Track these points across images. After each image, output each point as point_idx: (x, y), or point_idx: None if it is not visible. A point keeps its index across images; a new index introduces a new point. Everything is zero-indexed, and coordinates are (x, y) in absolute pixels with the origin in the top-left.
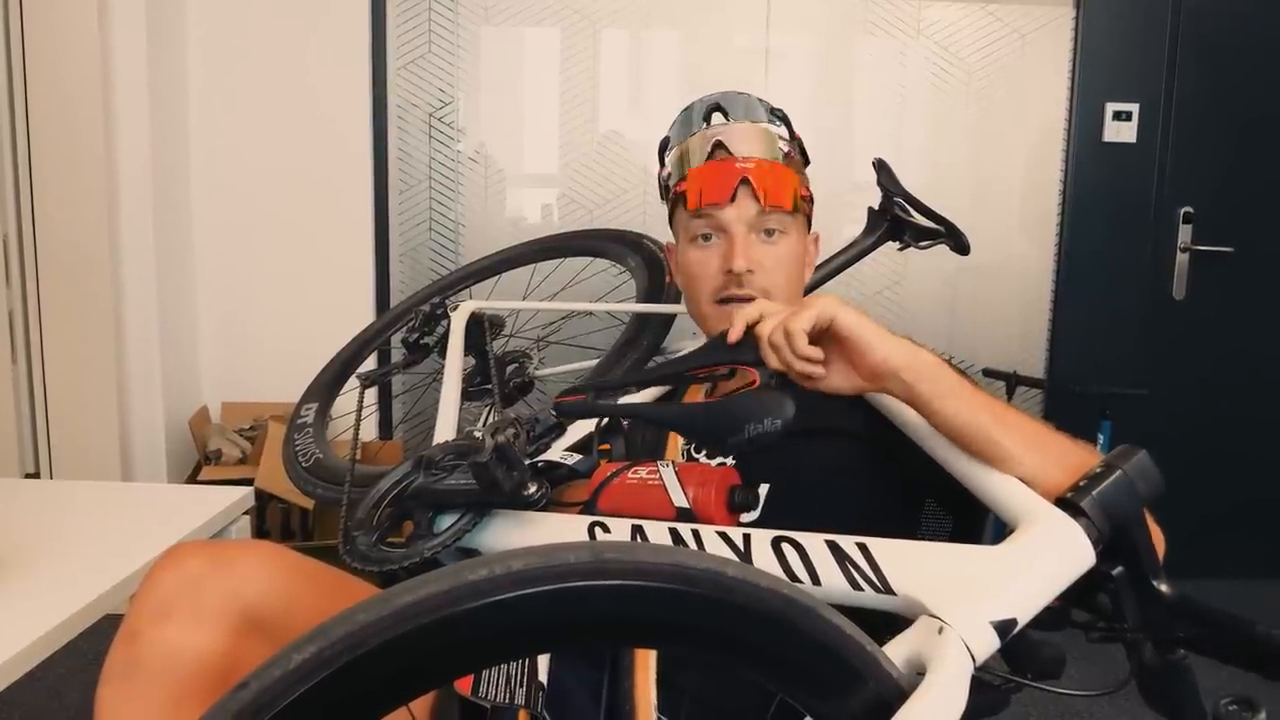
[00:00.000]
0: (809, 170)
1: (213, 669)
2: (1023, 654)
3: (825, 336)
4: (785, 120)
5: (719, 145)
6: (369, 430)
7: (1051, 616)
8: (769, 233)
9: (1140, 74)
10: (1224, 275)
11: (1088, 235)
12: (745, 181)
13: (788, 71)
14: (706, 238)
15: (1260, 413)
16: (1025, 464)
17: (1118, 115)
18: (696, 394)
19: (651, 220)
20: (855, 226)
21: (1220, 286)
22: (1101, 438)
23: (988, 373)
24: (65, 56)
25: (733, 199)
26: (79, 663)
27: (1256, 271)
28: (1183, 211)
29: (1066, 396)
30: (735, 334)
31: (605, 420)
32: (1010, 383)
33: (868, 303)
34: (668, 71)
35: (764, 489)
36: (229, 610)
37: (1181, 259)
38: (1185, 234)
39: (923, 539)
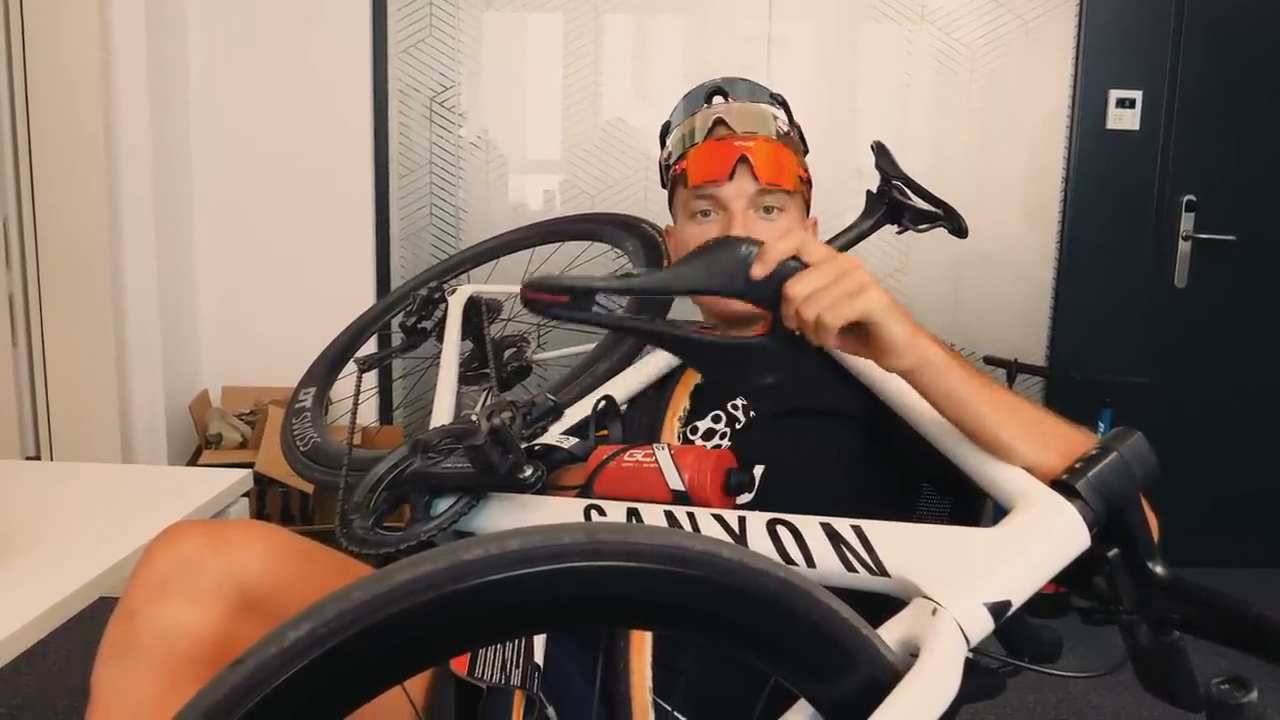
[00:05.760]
0: (808, 159)
1: (209, 648)
2: (1019, 637)
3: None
4: (785, 105)
5: (719, 122)
6: (369, 414)
7: (1052, 603)
8: (768, 210)
9: (1144, 61)
10: (1226, 264)
11: (1090, 223)
12: (744, 160)
13: (791, 58)
14: (705, 214)
15: (1262, 401)
16: (1022, 447)
17: (1121, 102)
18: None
19: (654, 206)
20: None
21: (1222, 275)
22: (1102, 426)
23: (989, 360)
24: (65, 40)
25: (731, 176)
26: (79, 646)
27: (1259, 260)
28: (1185, 199)
29: (1067, 384)
30: (763, 270)
31: (602, 404)
32: (1011, 370)
33: None
34: (670, 57)
35: (759, 471)
36: (225, 589)
37: (1184, 247)
38: (1188, 222)
39: (919, 521)
